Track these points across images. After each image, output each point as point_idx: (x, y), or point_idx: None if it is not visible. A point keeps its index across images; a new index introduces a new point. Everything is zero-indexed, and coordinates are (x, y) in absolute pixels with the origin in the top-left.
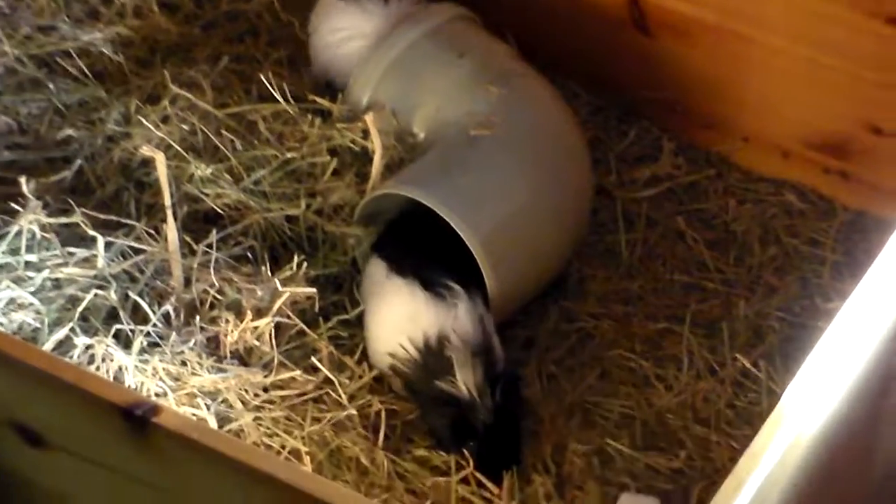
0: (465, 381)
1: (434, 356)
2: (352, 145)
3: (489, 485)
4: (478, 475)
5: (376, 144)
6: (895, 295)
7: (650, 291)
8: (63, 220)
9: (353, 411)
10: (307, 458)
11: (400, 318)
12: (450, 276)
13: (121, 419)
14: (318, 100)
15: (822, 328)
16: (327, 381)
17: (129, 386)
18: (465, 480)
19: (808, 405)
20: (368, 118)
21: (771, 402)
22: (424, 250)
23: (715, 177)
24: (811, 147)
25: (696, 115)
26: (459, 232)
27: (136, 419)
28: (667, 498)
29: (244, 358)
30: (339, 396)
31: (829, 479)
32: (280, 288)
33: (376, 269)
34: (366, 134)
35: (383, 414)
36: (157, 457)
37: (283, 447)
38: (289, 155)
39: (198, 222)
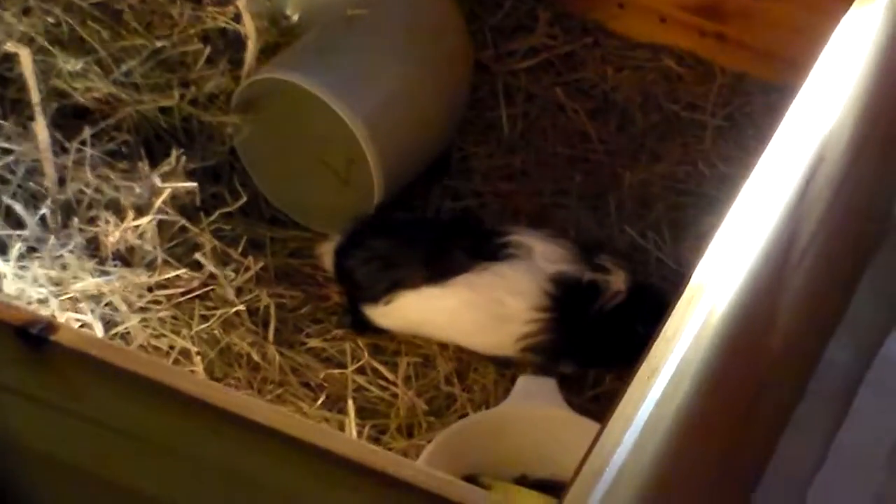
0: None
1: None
2: (225, 27)
3: (386, 373)
4: (375, 364)
5: (249, 29)
6: (797, 163)
7: (534, 166)
8: None
9: (242, 307)
10: (198, 359)
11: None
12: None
13: (15, 339)
14: None
15: (707, 194)
16: (213, 276)
17: (23, 304)
18: (361, 370)
19: (718, 282)
20: (240, 1)
21: (660, 271)
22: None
23: (592, 45)
24: (687, 10)
25: None
26: (340, 113)
27: (32, 338)
28: (563, 379)
29: (126, 258)
30: (226, 292)
31: (736, 353)
32: (159, 184)
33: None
34: (238, 18)
35: (272, 308)
36: (57, 376)
37: (172, 347)
38: (159, 44)
39: (67, 118)
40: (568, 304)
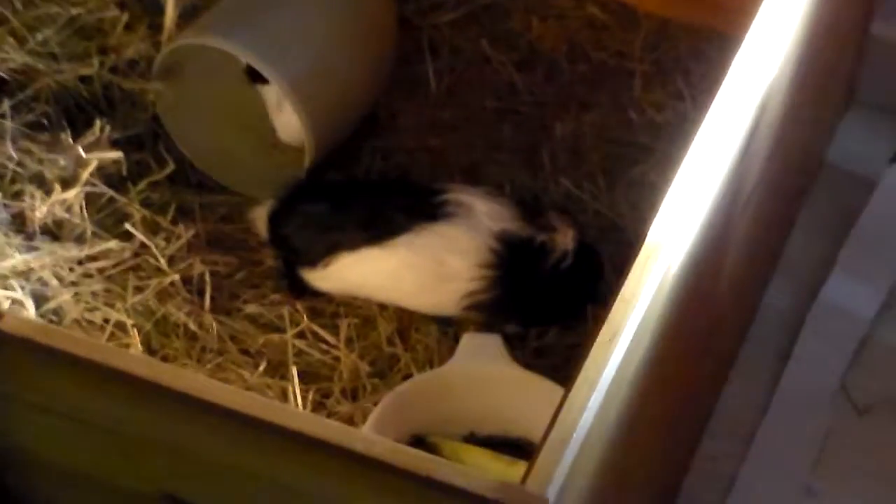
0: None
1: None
2: None
3: (326, 336)
4: (314, 328)
5: None
6: (743, 114)
7: (463, 120)
8: None
9: (176, 276)
10: (134, 331)
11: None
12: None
13: None
14: None
15: (638, 142)
16: (144, 246)
17: None
18: (300, 335)
19: (673, 239)
20: None
21: (597, 222)
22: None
23: None
24: None
25: None
26: (267, 76)
27: None
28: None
29: (55, 232)
30: (158, 261)
31: (690, 306)
32: (84, 155)
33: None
34: None
35: (207, 276)
36: (2, 362)
37: (107, 321)
38: (74, 11)
39: None
40: (515, 262)
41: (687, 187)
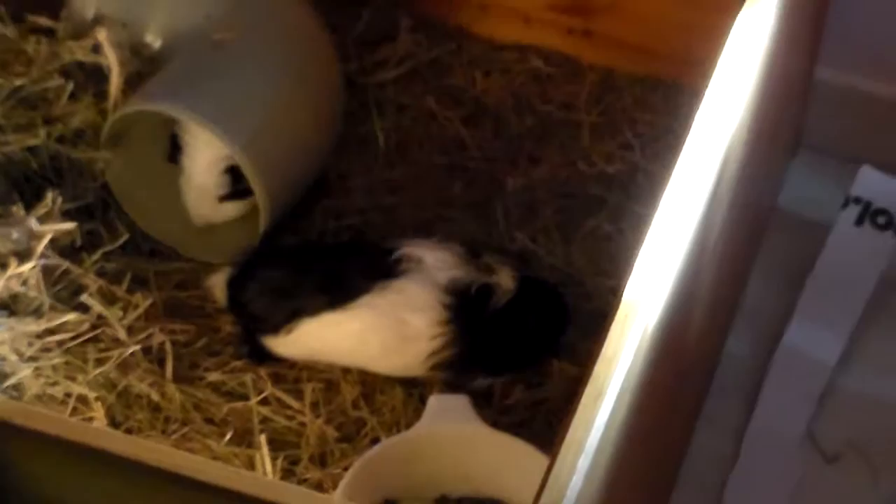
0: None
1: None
2: (84, 60)
3: (291, 402)
4: (278, 394)
5: (111, 60)
6: (708, 169)
7: (413, 178)
8: None
9: (136, 347)
10: (98, 404)
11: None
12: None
13: None
14: (38, 19)
15: (590, 193)
16: (101, 317)
17: None
18: (265, 401)
19: (650, 296)
20: (99, 33)
21: (554, 276)
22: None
23: (457, 50)
24: (552, 8)
25: None
26: (219, 140)
27: None
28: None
29: (11, 306)
30: (117, 332)
31: (666, 358)
32: (37, 227)
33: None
34: (97, 49)
35: (168, 345)
36: None
37: (69, 395)
38: (18, 82)
39: None
40: (464, 311)
41: (660, 241)
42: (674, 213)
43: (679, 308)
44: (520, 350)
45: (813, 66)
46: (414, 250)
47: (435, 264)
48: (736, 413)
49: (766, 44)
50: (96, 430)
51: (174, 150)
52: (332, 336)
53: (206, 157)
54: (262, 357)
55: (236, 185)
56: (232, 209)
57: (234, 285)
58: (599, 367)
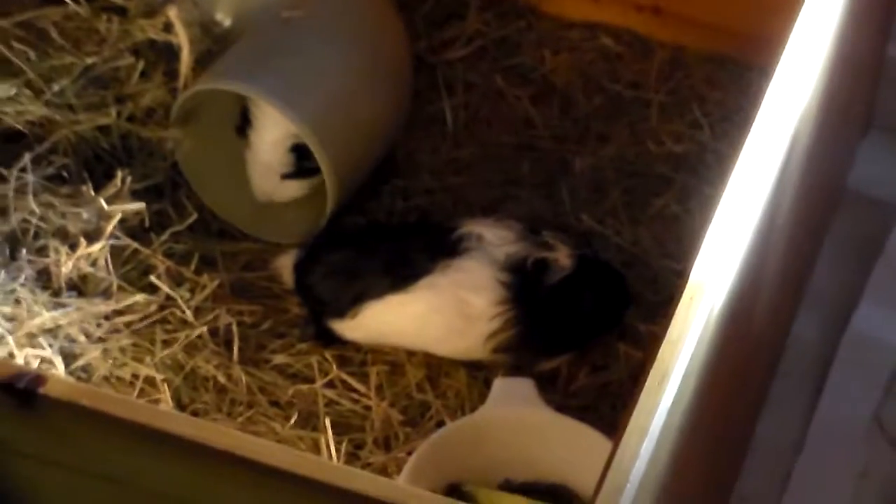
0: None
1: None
2: (155, 38)
3: (356, 385)
4: (344, 377)
5: (182, 38)
6: (777, 149)
7: (481, 157)
8: None
9: (203, 328)
10: (164, 386)
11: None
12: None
13: (1, 394)
14: None
15: (658, 173)
16: (169, 298)
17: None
18: (330, 384)
19: (716, 278)
20: (170, 11)
21: (620, 257)
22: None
23: (526, 28)
24: None
25: None
26: (287, 118)
27: (20, 392)
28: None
29: (80, 287)
30: (184, 313)
31: (730, 342)
32: (107, 207)
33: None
34: (168, 28)
35: (234, 326)
36: (48, 428)
37: (136, 376)
38: (89, 60)
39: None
40: (521, 289)
41: (727, 223)
42: (741, 194)
43: (745, 290)
44: (578, 329)
45: (885, 44)
46: (474, 228)
47: (494, 241)
48: (803, 397)
49: (837, 21)
50: (161, 411)
51: (243, 124)
52: (395, 318)
53: (273, 134)
54: (329, 340)
55: (301, 163)
56: (295, 188)
57: (300, 268)
58: (664, 351)
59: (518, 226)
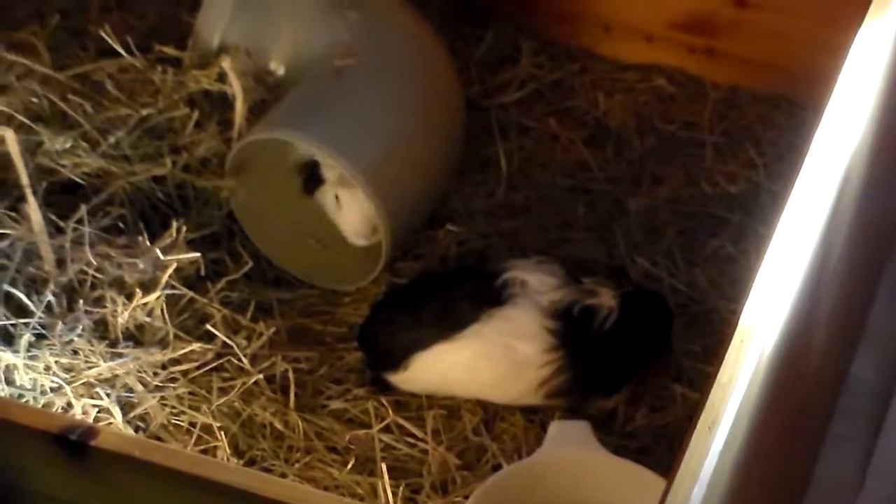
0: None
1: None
2: (209, 89)
3: (413, 430)
4: (400, 421)
5: (236, 88)
6: (828, 189)
7: (536, 201)
8: None
9: (259, 376)
10: (221, 434)
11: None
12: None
13: (54, 446)
14: (164, 49)
15: (713, 214)
16: (226, 346)
17: (57, 409)
18: (386, 429)
19: (766, 321)
20: (224, 61)
21: (676, 299)
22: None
23: (580, 71)
24: (674, 27)
25: (552, 9)
26: (341, 168)
27: (72, 444)
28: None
29: (136, 336)
30: (241, 361)
31: (782, 384)
32: (163, 257)
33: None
34: (222, 78)
35: (291, 373)
36: (99, 480)
37: (193, 424)
38: (144, 112)
39: (57, 195)
40: (571, 336)
41: (777, 265)
42: (791, 235)
43: (798, 331)
44: (630, 365)
45: None
46: (518, 273)
47: (538, 287)
48: (862, 437)
49: (888, 59)
50: (213, 462)
51: (311, 182)
52: (444, 367)
53: (358, 214)
54: (385, 387)
55: None
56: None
57: (365, 324)
58: (714, 394)
59: (560, 270)
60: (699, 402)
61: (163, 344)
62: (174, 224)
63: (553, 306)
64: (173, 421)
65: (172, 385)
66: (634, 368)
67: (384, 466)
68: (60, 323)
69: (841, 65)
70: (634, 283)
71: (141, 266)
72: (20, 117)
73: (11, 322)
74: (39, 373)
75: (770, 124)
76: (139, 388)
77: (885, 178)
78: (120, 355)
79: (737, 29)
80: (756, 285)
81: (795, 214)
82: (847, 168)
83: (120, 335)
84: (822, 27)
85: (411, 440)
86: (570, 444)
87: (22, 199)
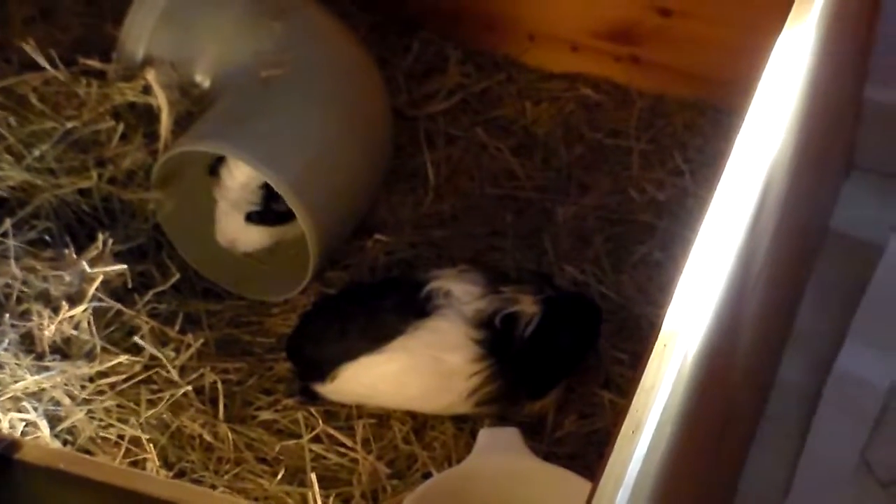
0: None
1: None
2: (135, 101)
3: (343, 439)
4: (330, 431)
5: (161, 100)
6: (750, 194)
7: (464, 210)
8: None
9: (188, 387)
10: (150, 446)
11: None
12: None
13: None
14: (89, 62)
15: (641, 221)
16: (154, 358)
17: None
18: (316, 439)
19: (689, 325)
20: (149, 74)
21: (605, 305)
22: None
23: (506, 80)
24: (598, 36)
25: (479, 19)
26: (267, 179)
27: None
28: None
29: (63, 350)
30: (169, 373)
31: (707, 389)
32: (89, 270)
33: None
34: (147, 90)
35: (220, 384)
36: (25, 494)
37: (122, 437)
38: (69, 125)
39: None
40: (496, 344)
41: (699, 270)
42: (713, 240)
43: (723, 335)
44: (558, 366)
45: (862, 85)
46: (442, 284)
47: (461, 297)
48: (790, 440)
49: (809, 64)
50: (139, 473)
51: (217, 164)
52: (372, 378)
53: (245, 172)
54: (314, 397)
55: (269, 204)
56: (259, 236)
57: (292, 336)
58: (637, 400)
59: (482, 279)
60: (622, 406)
61: (90, 357)
62: (100, 237)
63: (477, 316)
64: (102, 434)
65: (100, 398)
66: (562, 370)
67: (314, 476)
68: None
69: (760, 71)
70: (557, 287)
71: (67, 279)
72: None
73: None
74: None
75: (696, 131)
76: (66, 401)
77: (809, 183)
78: (47, 368)
79: (661, 37)
80: (679, 290)
81: (718, 219)
82: (769, 173)
83: (47, 348)
84: (745, 34)
85: (341, 450)
86: (500, 451)
87: None
